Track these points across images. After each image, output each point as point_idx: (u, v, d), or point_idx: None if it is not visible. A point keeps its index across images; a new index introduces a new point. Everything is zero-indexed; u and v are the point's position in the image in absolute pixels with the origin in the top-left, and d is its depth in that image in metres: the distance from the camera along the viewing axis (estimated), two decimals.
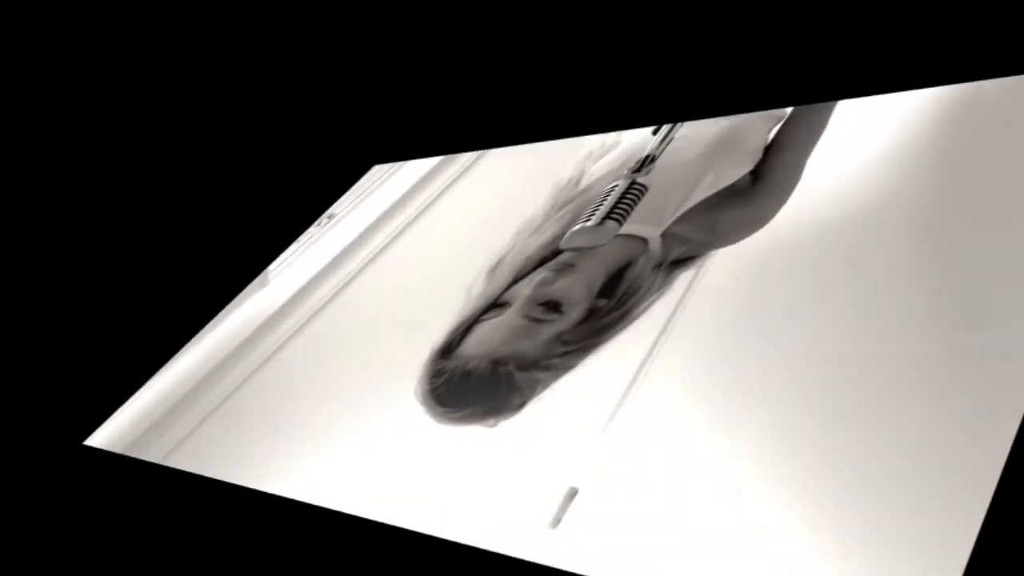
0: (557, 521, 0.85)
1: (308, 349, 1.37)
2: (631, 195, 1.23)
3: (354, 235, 1.58)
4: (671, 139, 1.30)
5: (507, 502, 0.90)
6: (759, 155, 1.16)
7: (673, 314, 0.99)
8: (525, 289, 1.18)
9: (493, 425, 1.00)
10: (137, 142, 1.90)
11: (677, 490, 0.82)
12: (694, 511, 0.80)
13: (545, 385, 1.01)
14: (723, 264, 1.02)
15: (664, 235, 1.12)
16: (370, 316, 1.35)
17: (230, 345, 1.48)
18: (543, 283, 1.17)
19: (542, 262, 1.21)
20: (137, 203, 1.83)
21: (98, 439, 1.47)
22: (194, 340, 1.58)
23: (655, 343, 0.96)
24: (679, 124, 1.32)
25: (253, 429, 1.27)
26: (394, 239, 1.51)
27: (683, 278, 1.03)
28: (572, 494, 0.86)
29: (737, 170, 1.16)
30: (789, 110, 1.21)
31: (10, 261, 1.75)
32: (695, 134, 1.28)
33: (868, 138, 1.08)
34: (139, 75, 1.92)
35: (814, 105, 1.19)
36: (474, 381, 1.08)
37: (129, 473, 1.39)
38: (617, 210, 1.22)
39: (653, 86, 1.45)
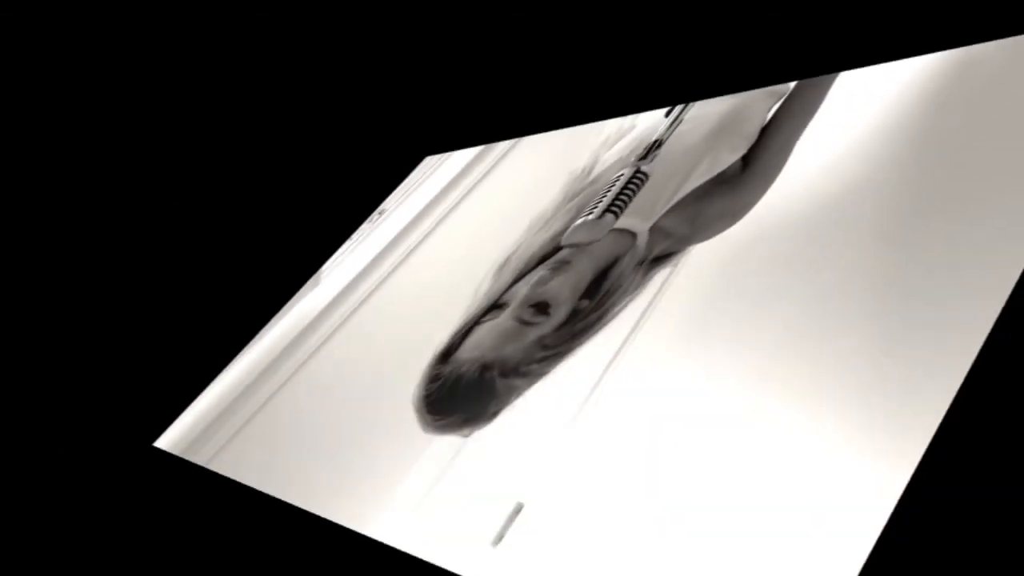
0: (500, 538, 0.84)
1: (337, 354, 1.40)
2: (632, 185, 1.20)
3: (394, 232, 1.60)
4: (680, 121, 1.26)
5: (458, 516, 0.90)
6: (754, 137, 1.11)
7: (640, 319, 0.96)
8: (523, 289, 1.17)
9: (467, 435, 1.00)
10: (195, 141, 1.96)
11: (625, 509, 0.81)
12: (639, 531, 0.78)
13: (519, 393, 1.00)
14: (696, 262, 0.99)
15: (652, 229, 1.09)
16: (397, 319, 1.37)
17: (276, 349, 1.53)
18: (539, 283, 1.15)
19: (543, 259, 1.20)
20: (203, 205, 1.90)
21: (164, 441, 1.55)
22: (252, 342, 1.64)
23: (617, 351, 0.93)
24: (690, 105, 1.28)
25: (280, 436, 1.31)
26: (427, 236, 1.51)
27: (659, 277, 1.00)
28: (517, 510, 0.86)
29: (731, 155, 1.11)
30: (793, 85, 1.15)
31: (91, 264, 1.84)
32: (701, 115, 1.23)
33: (856, 114, 1.01)
34: (198, 74, 1.97)
35: (815, 79, 1.13)
36: (462, 388, 1.08)
37: (189, 476, 1.46)
38: (617, 202, 1.19)
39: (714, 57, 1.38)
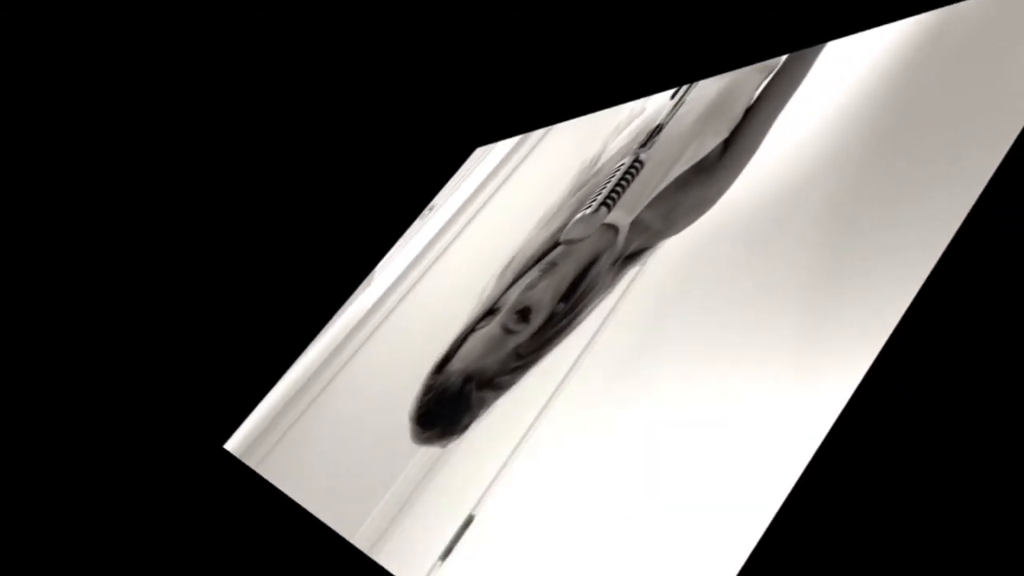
0: (448, 551, 0.83)
1: (369, 361, 1.41)
2: (628, 176, 1.15)
3: (434, 231, 1.59)
4: (682, 103, 1.20)
5: (416, 529, 0.89)
6: (738, 119, 1.04)
7: (600, 326, 0.92)
8: (515, 293, 1.14)
9: (444, 447, 0.99)
10: (253, 141, 1.99)
11: (572, 523, 0.78)
12: (585, 543, 0.75)
13: (489, 405, 0.98)
14: (664, 259, 0.93)
15: (633, 223, 1.04)
16: (422, 325, 1.36)
17: (324, 353, 1.55)
18: (528, 286, 1.12)
19: (540, 259, 1.16)
20: (268, 205, 1.93)
21: (232, 443, 1.61)
22: (311, 344, 1.68)
23: (574, 363, 0.90)
24: (694, 85, 1.21)
25: (311, 442, 1.34)
26: (458, 235, 1.50)
27: (628, 277, 0.96)
28: (468, 522, 0.84)
29: (715, 139, 1.04)
30: (784, 58, 1.07)
31: (158, 267, 1.90)
32: (699, 96, 1.17)
33: (834, 87, 0.93)
34: (250, 71, 1.99)
35: (803, 51, 1.05)
36: (447, 400, 1.07)
37: (250, 481, 1.51)
38: (612, 194, 1.14)
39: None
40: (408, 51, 2.02)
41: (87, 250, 1.78)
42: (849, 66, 0.94)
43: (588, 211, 1.16)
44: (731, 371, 0.71)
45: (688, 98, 1.19)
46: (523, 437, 0.87)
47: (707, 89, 1.16)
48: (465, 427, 0.98)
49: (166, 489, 1.56)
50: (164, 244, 1.87)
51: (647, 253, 0.96)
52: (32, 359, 1.73)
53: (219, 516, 1.51)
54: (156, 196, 1.90)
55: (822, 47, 1.02)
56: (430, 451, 1.00)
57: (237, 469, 1.56)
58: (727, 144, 1.02)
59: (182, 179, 1.92)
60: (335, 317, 1.70)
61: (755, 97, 1.04)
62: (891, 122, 0.81)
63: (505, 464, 0.86)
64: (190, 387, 1.74)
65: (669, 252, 0.94)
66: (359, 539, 0.96)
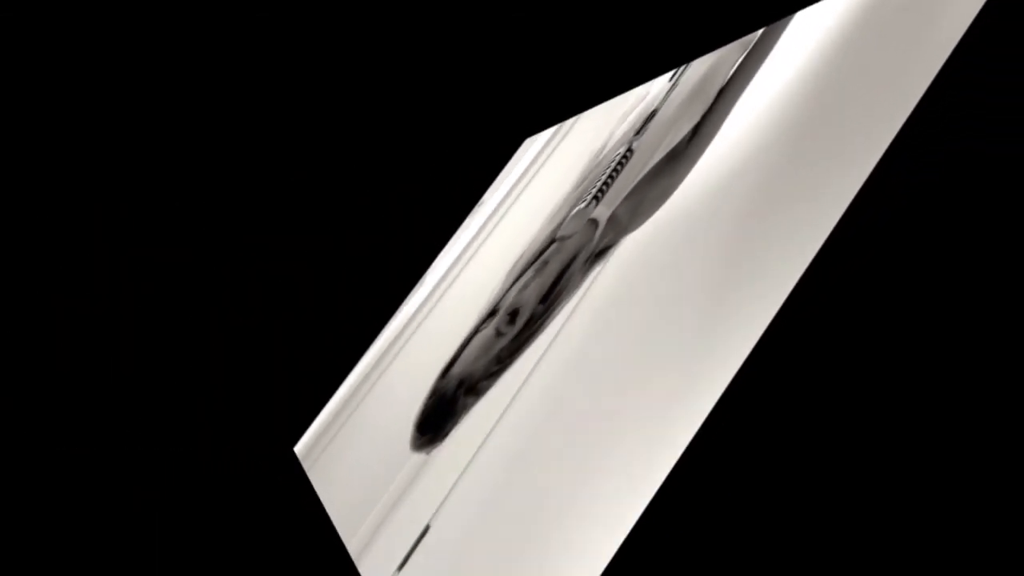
0: (404, 563, 0.84)
1: (407, 364, 1.44)
2: (620, 166, 1.13)
3: (476, 228, 1.60)
4: (676, 86, 1.16)
5: (389, 538, 0.91)
6: (711, 102, 1.01)
7: (560, 329, 0.91)
8: (513, 293, 1.14)
9: (429, 453, 1.00)
10: (315, 139, 2.01)
11: (519, 534, 0.78)
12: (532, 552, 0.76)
13: (468, 411, 0.98)
14: (622, 257, 0.92)
15: (610, 218, 1.02)
16: (445, 330, 1.38)
17: (373, 358, 1.59)
18: (523, 286, 1.12)
19: (537, 257, 1.16)
20: (324, 204, 1.95)
21: (299, 446, 1.67)
22: (370, 347, 1.72)
23: (531, 371, 0.89)
24: (689, 65, 1.18)
25: (349, 449, 1.37)
26: (491, 232, 1.51)
27: (591, 277, 0.94)
28: (424, 532, 0.85)
29: (688, 124, 1.01)
30: (760, 32, 1.03)
31: (235, 272, 1.95)
32: (688, 77, 1.13)
33: (786, 62, 0.89)
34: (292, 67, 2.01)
35: (777, 23, 1.00)
36: (442, 405, 1.08)
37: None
38: (603, 187, 1.12)
39: None
40: (454, 37, 2.00)
41: (87, 250, 1.81)
42: (805, 39, 0.90)
43: (582, 205, 1.14)
44: (633, 385, 0.70)
45: (682, 80, 1.16)
46: (480, 446, 0.88)
47: (696, 69, 1.13)
48: (446, 434, 0.99)
49: (234, 492, 1.63)
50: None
51: (611, 250, 0.95)
52: (32, 359, 1.75)
53: (285, 519, 1.57)
54: (176, 195, 1.89)
55: (791, 18, 0.97)
56: (419, 458, 1.02)
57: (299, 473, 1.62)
58: (695, 130, 0.99)
59: (210, 178, 1.92)
60: (392, 318, 1.73)
61: (728, 77, 1.01)
62: (816, 105, 0.78)
63: (462, 473, 0.87)
64: (261, 390, 1.80)
65: (627, 249, 0.92)
66: (353, 549, 0.99)
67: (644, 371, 0.72)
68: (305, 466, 1.49)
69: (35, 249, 1.76)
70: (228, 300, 1.81)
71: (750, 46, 1.02)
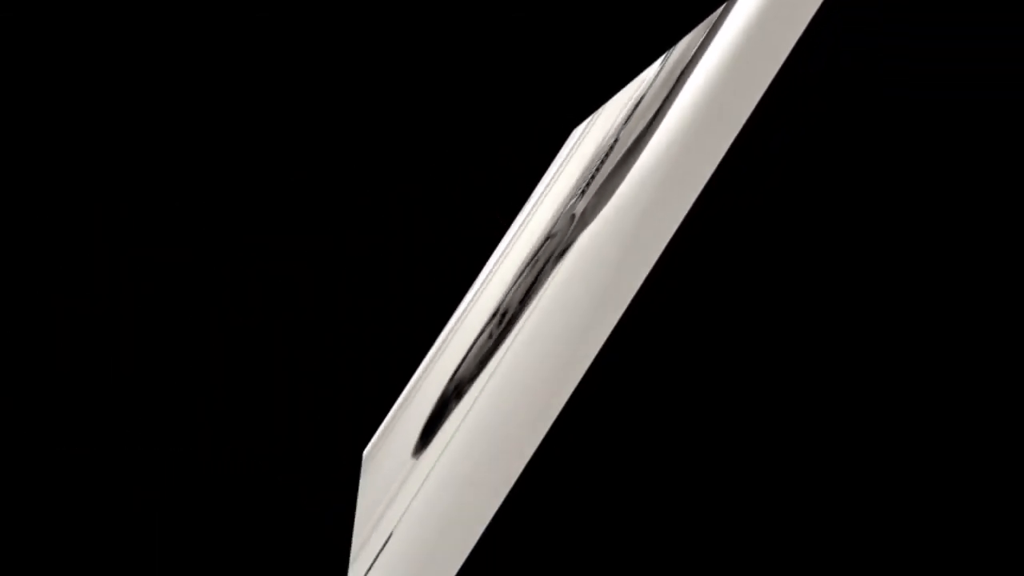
0: (368, 570, 0.86)
1: (444, 366, 1.46)
2: (605, 157, 1.11)
3: (516, 225, 1.61)
4: (662, 71, 1.14)
5: (368, 546, 0.93)
6: (671, 86, 0.98)
7: (519, 330, 0.91)
8: (511, 294, 1.14)
9: (417, 459, 1.02)
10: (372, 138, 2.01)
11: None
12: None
13: (448, 416, 0.99)
14: (573, 257, 0.91)
15: (582, 213, 1.01)
16: (468, 328, 1.39)
17: (424, 362, 1.62)
18: (517, 286, 1.12)
19: (534, 256, 1.15)
20: (375, 200, 1.95)
21: (367, 449, 1.71)
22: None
23: (489, 376, 0.89)
24: (675, 47, 1.15)
25: (389, 454, 1.40)
26: (523, 228, 1.51)
27: (551, 277, 0.94)
28: (387, 540, 0.87)
29: (651, 110, 0.99)
30: (719, 11, 0.99)
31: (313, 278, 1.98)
32: (670, 61, 1.11)
33: (724, 40, 0.86)
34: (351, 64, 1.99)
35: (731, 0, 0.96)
36: (439, 410, 1.09)
37: None
38: (590, 180, 1.11)
39: None
40: (501, 21, 1.96)
41: (87, 250, 1.85)
42: (746, 11, 0.87)
43: (573, 200, 1.14)
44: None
45: (667, 62, 1.13)
46: (441, 452, 0.89)
47: (675, 51, 1.10)
48: (433, 439, 1.01)
49: (308, 494, 1.69)
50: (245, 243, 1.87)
51: (570, 248, 0.94)
52: (31, 359, 1.78)
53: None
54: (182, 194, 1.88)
55: None
56: (411, 463, 1.04)
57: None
58: (654, 117, 0.97)
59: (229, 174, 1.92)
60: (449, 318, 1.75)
61: (688, 59, 0.98)
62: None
63: (424, 481, 0.88)
64: (327, 394, 1.84)
65: (579, 246, 0.91)
66: (352, 557, 1.02)
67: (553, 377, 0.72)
68: (362, 471, 1.54)
69: (35, 249, 1.83)
70: (228, 300, 1.84)
71: (711, 23, 0.99)
